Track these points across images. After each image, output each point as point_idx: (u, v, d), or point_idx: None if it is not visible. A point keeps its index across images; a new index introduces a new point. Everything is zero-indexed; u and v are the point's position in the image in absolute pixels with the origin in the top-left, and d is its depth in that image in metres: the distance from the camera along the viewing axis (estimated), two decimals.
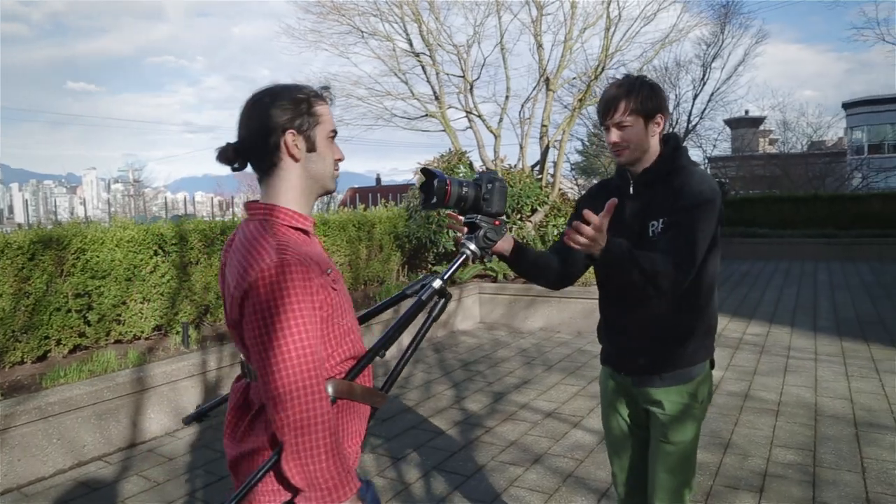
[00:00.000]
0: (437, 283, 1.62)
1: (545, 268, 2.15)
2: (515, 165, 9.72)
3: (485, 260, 1.82)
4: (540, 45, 9.40)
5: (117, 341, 5.34)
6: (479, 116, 9.49)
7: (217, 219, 7.84)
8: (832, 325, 7.73)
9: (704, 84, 21.11)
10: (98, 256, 5.08)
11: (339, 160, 1.53)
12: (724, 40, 20.54)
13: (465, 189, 1.74)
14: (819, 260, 14.33)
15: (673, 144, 2.05)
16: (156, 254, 5.58)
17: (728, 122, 34.27)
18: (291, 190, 1.44)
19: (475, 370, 6.02)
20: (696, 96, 21.17)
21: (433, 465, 3.89)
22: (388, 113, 10.07)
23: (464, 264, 1.76)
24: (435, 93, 9.71)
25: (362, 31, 9.61)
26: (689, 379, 2.05)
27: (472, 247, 1.77)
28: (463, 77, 9.52)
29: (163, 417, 4.51)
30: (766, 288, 10.74)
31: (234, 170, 1.47)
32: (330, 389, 1.39)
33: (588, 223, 1.66)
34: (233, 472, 1.50)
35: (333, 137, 1.50)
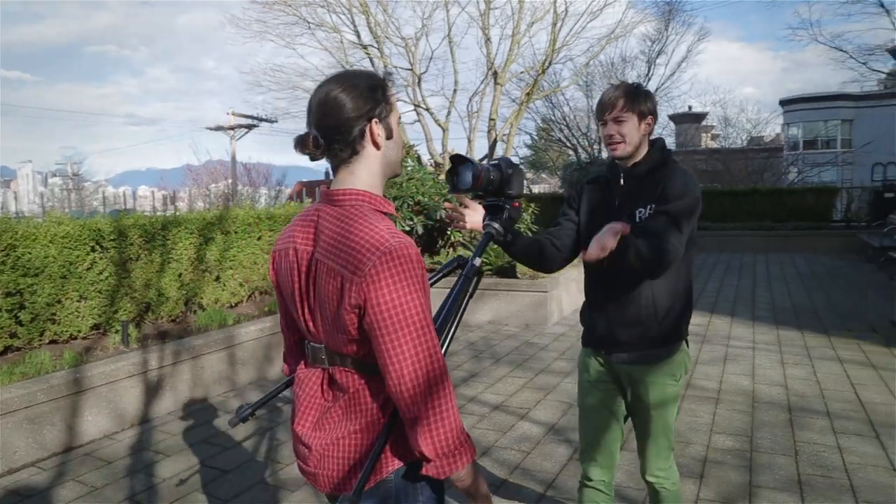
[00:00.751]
0: (477, 261, 1.72)
1: (536, 253, 2.32)
2: None
3: (507, 237, 1.99)
4: (488, 39, 9.42)
5: (52, 341, 5.13)
6: (427, 110, 9.47)
7: (158, 213, 7.61)
8: (769, 314, 8.00)
9: (649, 80, 21.63)
10: (30, 253, 4.87)
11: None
12: (668, 37, 21.11)
13: (492, 174, 1.88)
14: (758, 252, 14.80)
15: (660, 145, 2.29)
16: (93, 250, 5.38)
17: (672, 118, 35.14)
18: (373, 175, 1.47)
19: None
20: None
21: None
22: None
23: (489, 241, 1.91)
24: None
25: (309, 23, 9.48)
26: (667, 356, 2.27)
27: (497, 226, 1.92)
28: (411, 70, 9.48)
29: (101, 419, 4.37)
30: (708, 279, 11.04)
31: (312, 159, 1.46)
32: None
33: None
34: (317, 460, 1.48)
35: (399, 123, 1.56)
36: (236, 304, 6.85)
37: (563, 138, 22.82)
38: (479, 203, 2.02)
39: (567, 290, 8.15)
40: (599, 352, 2.37)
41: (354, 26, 9.58)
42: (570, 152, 22.65)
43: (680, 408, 4.60)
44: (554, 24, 9.25)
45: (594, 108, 2.38)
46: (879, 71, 17.48)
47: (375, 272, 1.30)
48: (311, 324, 1.48)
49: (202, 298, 6.37)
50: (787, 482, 3.48)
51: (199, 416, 4.73)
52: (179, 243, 6.11)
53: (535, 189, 31.39)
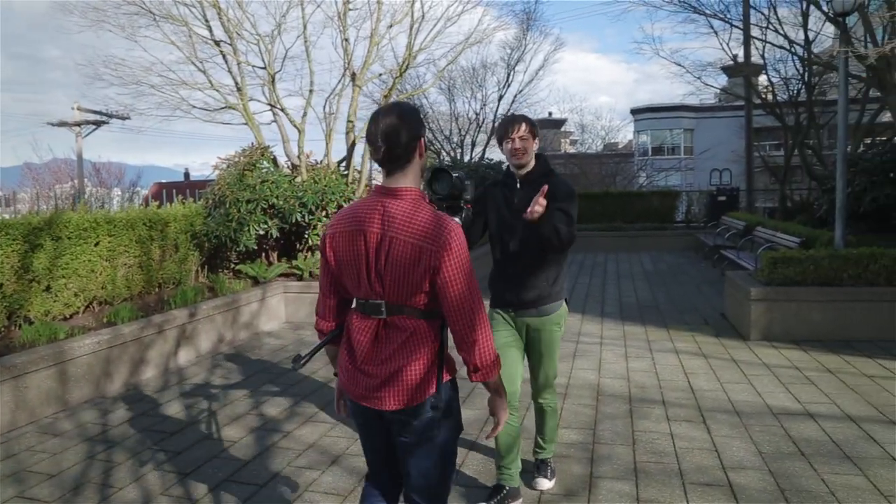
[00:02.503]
0: None
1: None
2: (321, 161, 9.53)
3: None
4: (346, 39, 9.28)
5: None
6: (283, 110, 9.16)
7: None
8: (616, 310, 8.45)
9: (509, 86, 22.25)
10: None
11: None
12: (526, 45, 21.82)
13: (459, 184, 2.49)
14: (609, 251, 15.66)
15: (544, 159, 3.28)
16: None
17: None
18: (417, 177, 2.09)
19: (277, 372, 5.82)
20: (500, 97, 22.23)
21: (224, 477, 3.67)
22: (186, 104, 9.41)
23: None
24: (237, 84, 9.23)
25: (154, 14, 8.88)
26: (555, 311, 3.25)
27: (457, 220, 2.39)
28: (266, 69, 9.16)
29: None
30: None
31: (380, 165, 2.04)
32: None
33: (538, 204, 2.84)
34: (382, 385, 2.02)
35: None
36: (71, 316, 6.31)
37: (427, 141, 23.01)
38: (444, 204, 2.51)
39: None
40: (508, 311, 3.27)
41: (206, 21, 9.09)
42: (435, 156, 22.92)
43: (531, 405, 4.74)
44: (411, 28, 9.28)
45: (497, 132, 3.28)
46: (712, 86, 19.01)
47: (447, 243, 1.92)
48: (376, 285, 2.01)
49: (29, 311, 5.81)
50: (625, 471, 3.66)
51: (20, 443, 4.29)
52: None
53: None
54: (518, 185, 3.20)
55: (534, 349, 3.33)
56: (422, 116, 2.13)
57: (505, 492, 3.27)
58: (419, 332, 2.01)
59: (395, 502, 2.33)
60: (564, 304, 3.32)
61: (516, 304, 3.24)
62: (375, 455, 2.27)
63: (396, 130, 1.97)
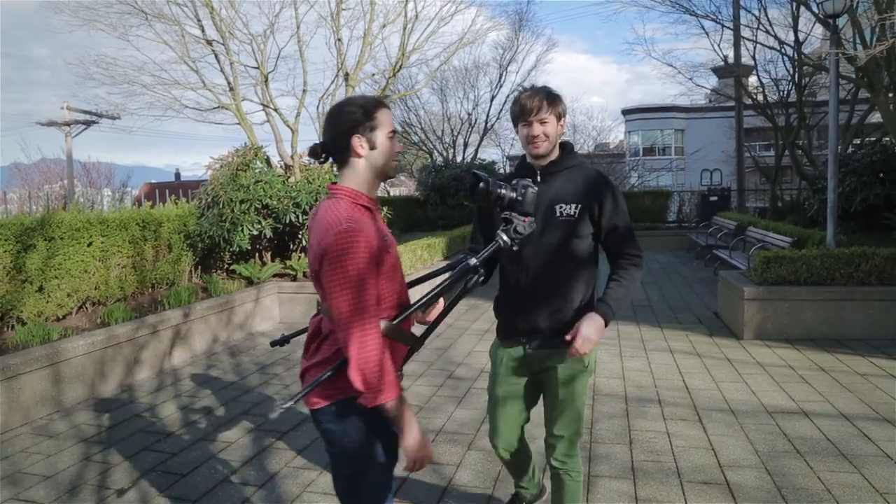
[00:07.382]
0: (472, 261, 2.00)
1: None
2: (314, 162, 9.50)
3: (513, 247, 2.11)
4: (339, 39, 9.27)
5: None
6: (276, 110, 9.14)
7: None
8: None
9: (501, 86, 22.26)
10: None
11: (399, 152, 2.02)
12: (518, 46, 21.85)
13: (502, 191, 2.12)
14: (601, 251, 15.67)
15: (569, 148, 2.52)
16: None
17: None
18: (357, 178, 1.90)
19: (272, 373, 5.80)
20: (493, 98, 22.23)
21: (222, 478, 3.66)
22: (178, 103, 9.37)
23: (497, 251, 2.08)
24: (229, 83, 9.20)
25: (146, 13, 8.84)
26: None
27: (505, 237, 2.08)
28: (259, 68, 9.13)
29: None
30: None
31: (320, 162, 1.97)
32: (382, 325, 1.81)
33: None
34: (301, 379, 2.01)
35: (393, 136, 1.95)
36: (64, 317, 6.27)
37: (420, 141, 23.09)
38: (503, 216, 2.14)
39: None
40: (517, 342, 2.53)
41: (198, 20, 9.05)
42: (427, 156, 22.92)
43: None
44: (404, 28, 9.28)
45: (511, 110, 2.48)
46: (703, 87, 19.13)
47: (328, 248, 1.73)
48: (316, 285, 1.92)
49: (22, 312, 5.77)
50: (623, 469, 3.67)
51: (15, 445, 4.26)
52: None
53: (393, 192, 31.47)
54: (539, 178, 2.45)
55: (550, 393, 2.56)
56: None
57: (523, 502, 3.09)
58: (332, 335, 1.89)
59: None
60: None
61: (529, 334, 2.49)
62: None
63: (329, 127, 1.93)
